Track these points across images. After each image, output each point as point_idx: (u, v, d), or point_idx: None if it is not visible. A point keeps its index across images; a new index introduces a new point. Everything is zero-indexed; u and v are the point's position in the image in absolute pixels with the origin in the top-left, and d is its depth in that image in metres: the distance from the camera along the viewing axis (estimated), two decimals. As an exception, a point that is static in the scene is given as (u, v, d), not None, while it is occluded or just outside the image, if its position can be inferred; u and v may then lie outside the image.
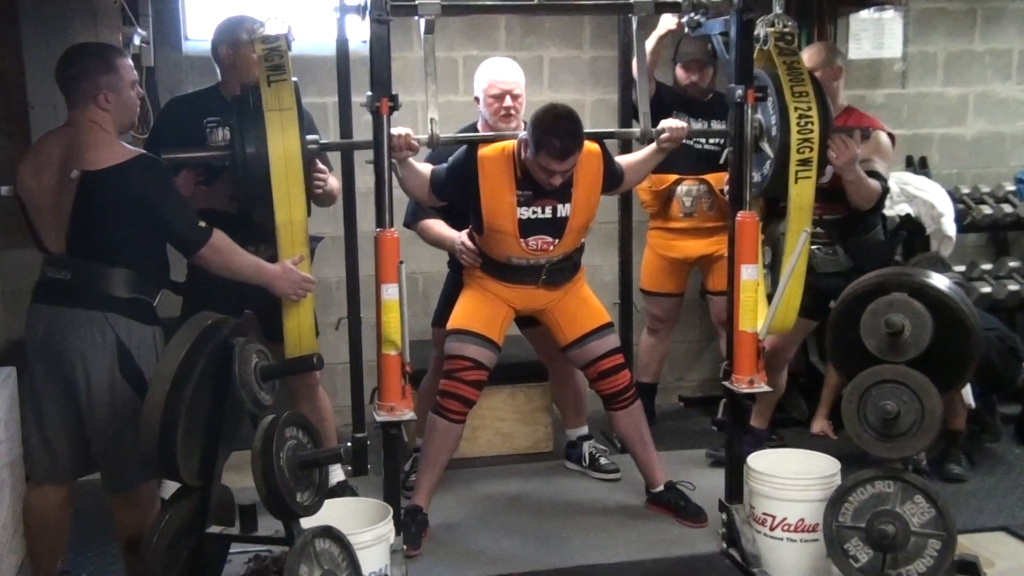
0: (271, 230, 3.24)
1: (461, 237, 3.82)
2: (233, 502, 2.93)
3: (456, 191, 3.63)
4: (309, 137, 3.28)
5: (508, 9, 4.28)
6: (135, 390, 3.03)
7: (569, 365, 4.06)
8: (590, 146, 3.64)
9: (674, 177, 4.45)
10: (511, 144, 3.60)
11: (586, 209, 3.67)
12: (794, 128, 3.46)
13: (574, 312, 3.83)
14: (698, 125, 4.43)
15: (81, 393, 3.05)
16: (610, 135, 4.00)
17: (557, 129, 3.39)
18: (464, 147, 3.66)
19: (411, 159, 3.48)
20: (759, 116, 3.56)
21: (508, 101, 3.87)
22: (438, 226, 3.93)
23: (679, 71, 4.50)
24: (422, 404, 3.90)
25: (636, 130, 3.76)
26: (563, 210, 3.62)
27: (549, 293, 3.79)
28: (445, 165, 3.66)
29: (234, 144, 3.20)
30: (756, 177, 3.62)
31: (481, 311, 3.76)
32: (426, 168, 3.63)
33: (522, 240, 3.62)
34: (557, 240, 3.65)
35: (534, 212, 3.60)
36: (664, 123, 3.69)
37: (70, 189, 3.04)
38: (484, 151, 3.60)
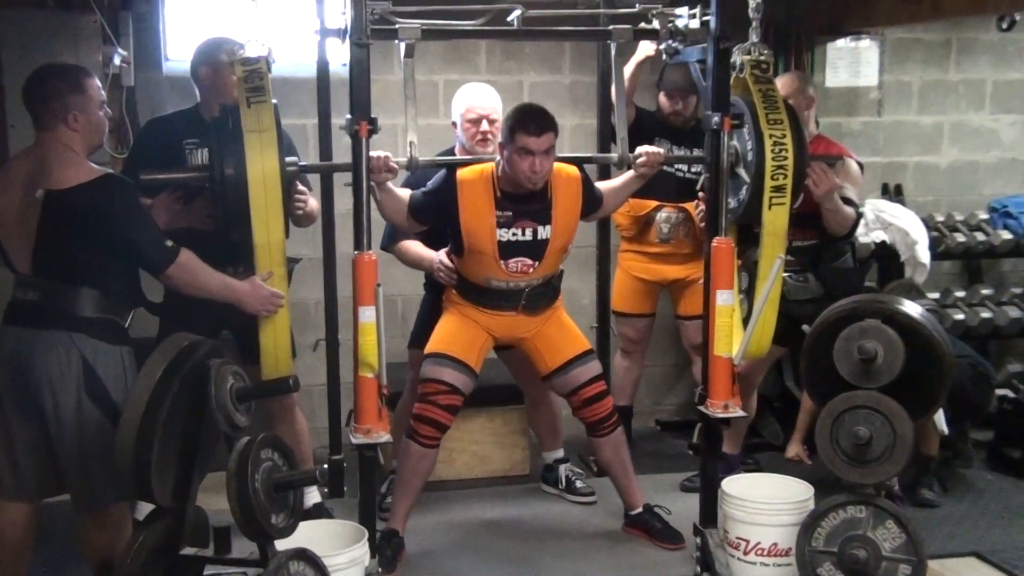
0: (249, 251, 3.25)
1: (439, 256, 3.83)
2: (207, 524, 2.93)
3: (435, 215, 3.64)
4: (288, 159, 3.28)
5: (488, 34, 4.30)
6: (102, 411, 3.02)
7: (544, 389, 4.06)
8: (570, 169, 3.68)
9: (654, 203, 4.47)
10: (489, 166, 3.63)
11: (565, 232, 3.68)
12: (768, 155, 3.49)
13: (554, 340, 3.82)
14: (680, 152, 4.45)
15: (49, 415, 3.03)
16: (588, 160, 4.04)
17: (529, 111, 3.50)
18: (442, 171, 3.67)
19: (389, 183, 3.49)
20: (735, 143, 3.60)
21: (485, 126, 3.90)
22: (416, 247, 3.94)
23: (663, 99, 4.53)
24: (399, 425, 3.89)
25: (614, 155, 3.79)
26: (543, 232, 3.63)
27: (529, 320, 3.79)
28: (423, 189, 3.66)
29: (213, 165, 3.21)
30: (732, 203, 3.65)
31: (460, 336, 3.75)
32: (404, 193, 3.64)
33: (502, 262, 3.62)
34: (537, 263, 3.66)
35: (514, 234, 3.61)
36: (640, 149, 3.73)
37: (35, 209, 3.03)
38: (462, 173, 3.62)
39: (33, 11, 4.38)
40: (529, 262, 3.65)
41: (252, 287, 3.26)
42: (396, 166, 3.42)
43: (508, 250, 3.62)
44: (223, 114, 3.28)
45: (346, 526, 3.34)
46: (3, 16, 4.33)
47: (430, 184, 3.67)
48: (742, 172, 3.63)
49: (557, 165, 3.64)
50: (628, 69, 4.24)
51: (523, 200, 3.59)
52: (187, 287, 3.21)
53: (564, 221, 3.66)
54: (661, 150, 3.79)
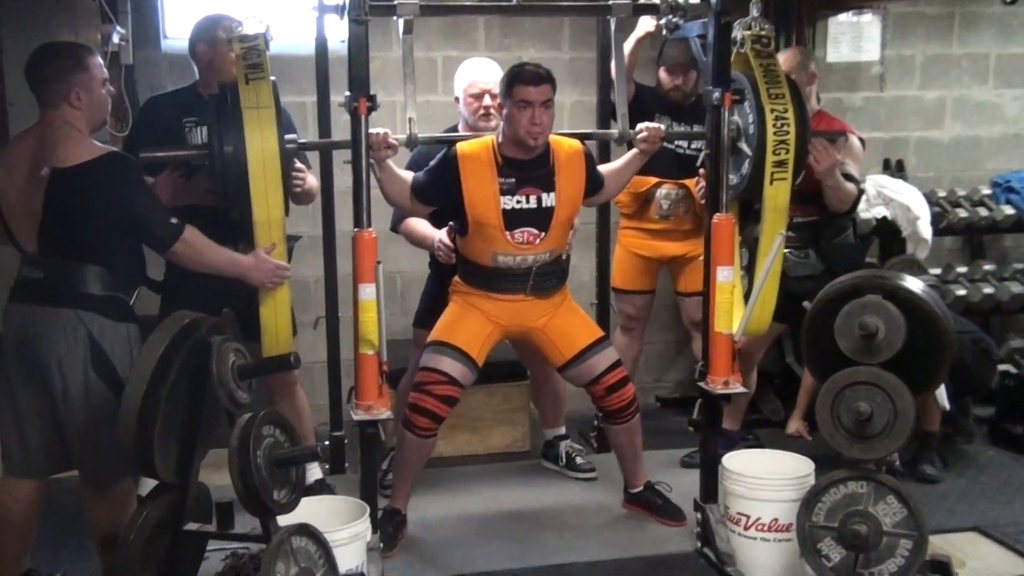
0: (249, 228, 3.25)
1: (440, 234, 3.81)
2: (210, 499, 2.94)
3: (439, 193, 3.60)
4: (287, 136, 3.28)
5: (487, 10, 4.28)
6: (109, 388, 3.03)
7: (549, 366, 4.05)
8: (572, 142, 3.67)
9: (654, 180, 4.45)
10: (490, 137, 3.62)
11: (570, 201, 3.64)
12: (770, 130, 3.48)
13: (566, 329, 3.76)
14: (680, 128, 4.43)
15: (57, 392, 3.05)
16: (588, 135, 4.02)
17: (525, 66, 3.52)
18: (443, 150, 3.66)
19: (390, 162, 3.48)
20: (736, 119, 3.58)
21: (487, 100, 3.90)
22: (420, 225, 3.92)
23: (663, 74, 4.50)
24: (401, 403, 3.89)
25: (614, 131, 3.77)
26: (547, 200, 3.59)
27: (538, 305, 3.71)
28: (425, 169, 3.64)
29: (212, 142, 3.20)
30: (734, 179, 3.64)
31: (464, 324, 3.68)
32: (407, 174, 3.61)
33: (508, 233, 3.57)
34: (544, 233, 3.60)
35: (518, 201, 3.56)
36: (641, 125, 3.71)
37: (40, 187, 3.04)
38: (462, 147, 3.59)
39: (31, -11, 4.37)
40: (535, 232, 3.60)
41: (257, 260, 3.28)
42: (396, 143, 3.41)
43: (513, 219, 3.57)
44: (221, 91, 3.28)
45: (348, 502, 3.35)
46: (2, -6, 4.32)
47: (431, 164, 3.64)
48: (744, 147, 3.62)
49: (559, 137, 3.64)
50: (628, 45, 4.21)
51: (526, 167, 3.57)
52: (192, 263, 3.22)
53: (568, 190, 3.62)
54: (662, 126, 3.78)
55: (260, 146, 3.12)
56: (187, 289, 3.43)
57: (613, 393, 3.75)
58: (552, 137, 3.61)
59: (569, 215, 3.67)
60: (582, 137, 3.85)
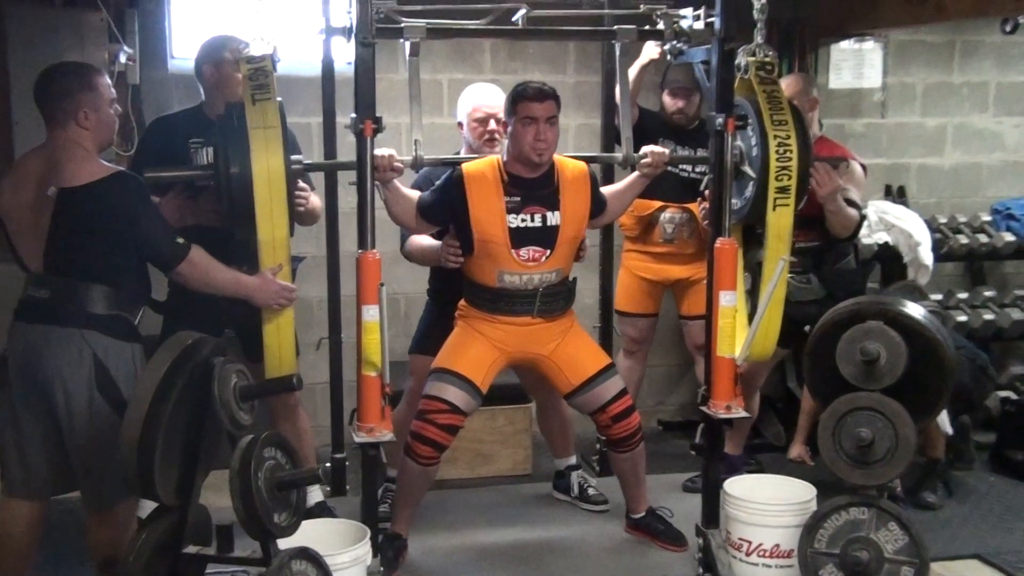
0: (254, 250, 3.26)
1: (445, 240, 3.72)
2: (210, 522, 2.93)
3: (445, 212, 3.60)
4: (293, 157, 3.28)
5: (493, 33, 4.30)
6: (113, 408, 3.03)
7: (555, 393, 4.03)
8: (577, 163, 3.69)
9: (658, 204, 4.47)
10: (495, 157, 3.64)
11: (574, 220, 3.63)
12: (773, 156, 3.49)
13: (573, 356, 3.72)
14: (684, 152, 4.46)
15: (60, 411, 3.05)
16: (593, 159, 4.03)
17: (529, 83, 3.55)
18: (449, 170, 3.66)
19: (396, 182, 3.48)
20: (739, 143, 3.60)
21: (492, 125, 3.89)
22: (424, 240, 3.86)
23: (666, 98, 4.52)
24: (396, 432, 3.85)
25: (618, 155, 3.78)
26: (552, 218, 3.59)
27: (545, 331, 3.68)
28: (431, 189, 3.64)
29: (218, 162, 3.21)
30: (737, 203, 3.65)
31: (468, 352, 3.65)
32: (413, 194, 3.61)
33: (514, 251, 3.56)
34: (549, 251, 3.59)
35: (523, 220, 3.56)
36: (645, 149, 3.72)
37: (48, 206, 3.05)
38: (468, 167, 3.60)
39: (39, 9, 4.40)
40: (541, 250, 3.59)
41: (263, 281, 3.27)
42: (400, 165, 3.41)
43: (519, 237, 3.56)
44: (228, 111, 3.29)
45: (348, 525, 3.34)
46: (9, 13, 4.35)
47: (438, 183, 3.64)
48: (748, 170, 3.62)
49: (564, 158, 3.66)
50: (632, 71, 4.23)
51: (531, 185, 3.57)
52: (198, 283, 3.23)
53: (572, 209, 3.62)
54: (666, 150, 3.78)
55: (266, 165, 3.13)
56: (190, 309, 3.44)
57: (619, 422, 3.72)
58: (556, 157, 3.63)
59: (574, 234, 3.67)
60: (587, 160, 3.86)
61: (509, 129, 3.55)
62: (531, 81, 3.59)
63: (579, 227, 3.68)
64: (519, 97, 3.50)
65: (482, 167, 3.60)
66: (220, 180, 3.19)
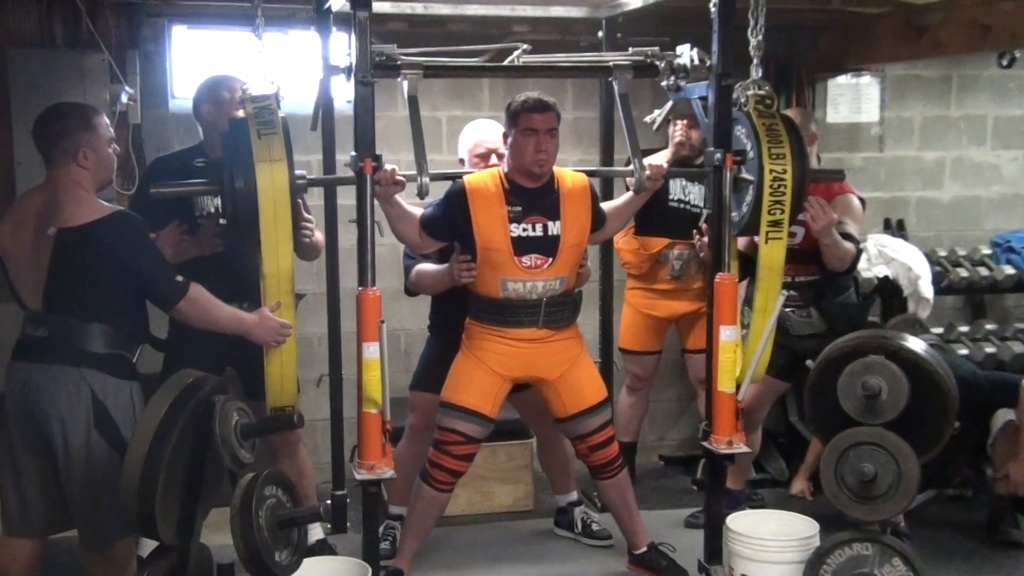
0: (255, 281, 3.26)
1: (453, 258, 3.69)
2: (211, 561, 2.92)
3: (448, 225, 3.62)
4: (296, 172, 3.27)
5: (491, 71, 4.33)
6: (112, 446, 3.02)
7: (556, 431, 4.02)
8: (577, 175, 3.73)
9: (666, 241, 4.48)
10: (496, 169, 3.69)
11: (575, 229, 3.65)
12: (767, 190, 3.47)
13: (577, 387, 3.75)
14: (694, 188, 4.48)
15: (58, 450, 3.04)
16: (593, 173, 3.99)
17: (528, 96, 3.59)
18: (451, 184, 3.67)
19: (398, 198, 3.48)
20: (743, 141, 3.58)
21: (494, 160, 3.91)
22: (429, 267, 3.86)
23: (670, 127, 4.54)
24: (398, 470, 3.84)
25: (617, 168, 3.77)
26: (553, 228, 3.61)
27: (552, 352, 3.71)
28: (434, 204, 3.66)
29: (224, 177, 3.20)
30: (735, 216, 3.63)
31: (474, 382, 3.68)
32: (416, 210, 3.63)
33: (516, 258, 3.58)
34: (551, 259, 3.61)
35: (524, 229, 3.59)
36: (645, 161, 3.73)
37: (47, 245, 3.07)
38: (469, 180, 3.65)
39: (41, 50, 4.44)
40: (543, 258, 3.61)
41: (261, 318, 3.27)
42: (403, 179, 3.40)
43: (522, 246, 3.59)
44: (232, 128, 3.28)
45: (349, 563, 3.32)
46: (11, 55, 4.38)
47: (441, 198, 3.66)
48: (746, 175, 3.58)
49: (563, 170, 3.70)
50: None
51: (532, 195, 3.61)
52: (197, 321, 3.23)
53: (573, 218, 3.65)
54: (664, 164, 3.81)
55: (272, 200, 3.13)
56: (191, 347, 3.44)
57: (596, 452, 3.78)
58: (557, 169, 3.67)
59: (575, 243, 3.67)
60: (589, 173, 3.85)
61: (509, 140, 3.59)
62: (531, 92, 3.63)
63: (580, 236, 3.70)
64: (520, 109, 3.55)
65: (483, 178, 3.65)
66: (226, 197, 3.19)
